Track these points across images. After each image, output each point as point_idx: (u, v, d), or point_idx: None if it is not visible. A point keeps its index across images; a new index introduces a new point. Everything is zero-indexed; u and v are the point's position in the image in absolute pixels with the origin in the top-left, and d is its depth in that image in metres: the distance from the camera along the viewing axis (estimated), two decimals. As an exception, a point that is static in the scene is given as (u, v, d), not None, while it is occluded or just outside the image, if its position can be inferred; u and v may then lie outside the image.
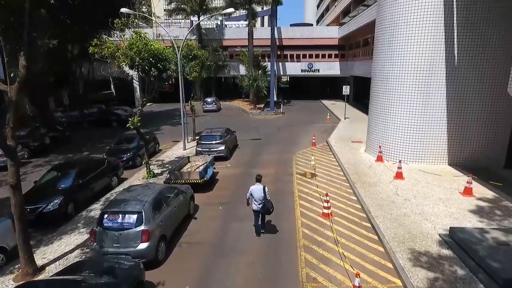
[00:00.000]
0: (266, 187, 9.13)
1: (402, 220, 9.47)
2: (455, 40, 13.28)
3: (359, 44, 34.99)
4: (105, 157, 16.00)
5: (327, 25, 49.91)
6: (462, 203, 10.45)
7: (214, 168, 14.08)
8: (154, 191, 8.92)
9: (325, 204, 10.16)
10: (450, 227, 8.57)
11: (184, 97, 19.34)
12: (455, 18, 13.11)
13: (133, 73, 12.39)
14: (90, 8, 21.01)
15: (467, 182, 11.08)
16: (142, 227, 7.81)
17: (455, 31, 13.21)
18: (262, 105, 36.74)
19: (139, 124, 13.31)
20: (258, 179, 9.30)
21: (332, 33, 40.59)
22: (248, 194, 9.36)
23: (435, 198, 10.87)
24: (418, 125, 14.29)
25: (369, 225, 9.60)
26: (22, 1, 7.06)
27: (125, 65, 12.12)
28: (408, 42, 13.88)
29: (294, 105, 39.48)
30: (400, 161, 12.90)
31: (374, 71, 16.14)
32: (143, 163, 14.68)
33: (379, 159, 15.07)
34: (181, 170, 12.98)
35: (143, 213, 7.95)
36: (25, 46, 7.43)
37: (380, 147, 15.21)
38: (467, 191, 11.01)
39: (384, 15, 14.85)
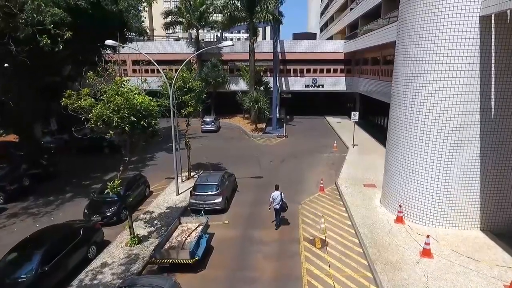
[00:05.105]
0: (282, 193, 13.10)
1: None
2: (493, 91, 11.28)
3: (367, 61, 32.98)
4: (85, 215, 14.13)
5: (332, 36, 47.89)
6: (512, 309, 8.46)
7: (207, 235, 12.10)
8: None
9: (343, 313, 8.20)
10: None
11: (178, 135, 17.44)
12: (493, 64, 11.12)
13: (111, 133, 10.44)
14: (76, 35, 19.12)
15: (515, 276, 9.09)
16: None
17: (493, 79, 11.21)
18: (263, 125, 34.72)
19: (120, 188, 11.39)
20: (277, 188, 13.30)
21: (337, 47, 38.57)
22: (270, 199, 13.16)
23: (477, 297, 8.89)
24: (446, 183, 12.30)
25: None
26: None
27: (100, 125, 10.13)
28: (436, 88, 11.88)
29: (297, 124, 37.48)
30: (428, 236, 10.87)
31: (393, 113, 14.11)
32: (125, 227, 12.70)
33: (399, 220, 13.07)
34: (168, 247, 10.96)
35: None
36: None
37: (400, 206, 13.22)
38: (515, 287, 9.01)
39: (406, 54, 12.84)
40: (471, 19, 10.90)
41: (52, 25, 14.83)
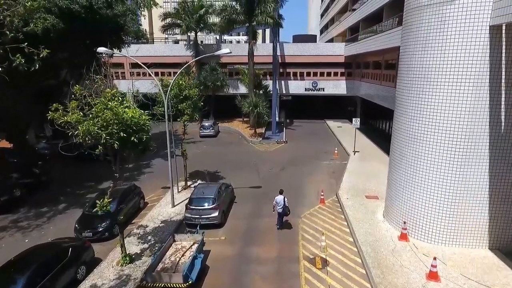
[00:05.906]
0: (285, 198, 13.53)
1: None
2: (503, 102, 10.70)
3: (368, 65, 32.42)
4: (76, 230, 13.56)
5: (332, 38, 47.33)
6: None
7: (203, 255, 11.50)
8: None
9: None
10: None
11: (173, 144, 16.90)
12: (503, 75, 10.54)
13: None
14: (69, 40, 18.57)
15: (530, 306, 8.52)
16: None
17: (503, 91, 10.63)
18: (263, 129, 34.15)
19: (109, 207, 10.80)
20: (281, 192, 13.69)
21: (338, 50, 38.02)
22: (274, 202, 13.66)
23: (489, 329, 8.31)
24: (452, 198, 11.72)
25: None
26: None
27: (88, 140, 9.57)
28: (443, 99, 11.28)
29: (297, 128, 36.88)
30: (435, 258, 10.29)
31: (397, 124, 13.52)
32: (116, 245, 12.11)
33: (404, 237, 12.49)
34: (161, 269, 10.39)
35: None
36: None
37: (404, 223, 12.64)
38: (530, 318, 8.45)
39: (411, 63, 12.25)
40: (480, 28, 10.32)
41: (40, 33, 14.26)
